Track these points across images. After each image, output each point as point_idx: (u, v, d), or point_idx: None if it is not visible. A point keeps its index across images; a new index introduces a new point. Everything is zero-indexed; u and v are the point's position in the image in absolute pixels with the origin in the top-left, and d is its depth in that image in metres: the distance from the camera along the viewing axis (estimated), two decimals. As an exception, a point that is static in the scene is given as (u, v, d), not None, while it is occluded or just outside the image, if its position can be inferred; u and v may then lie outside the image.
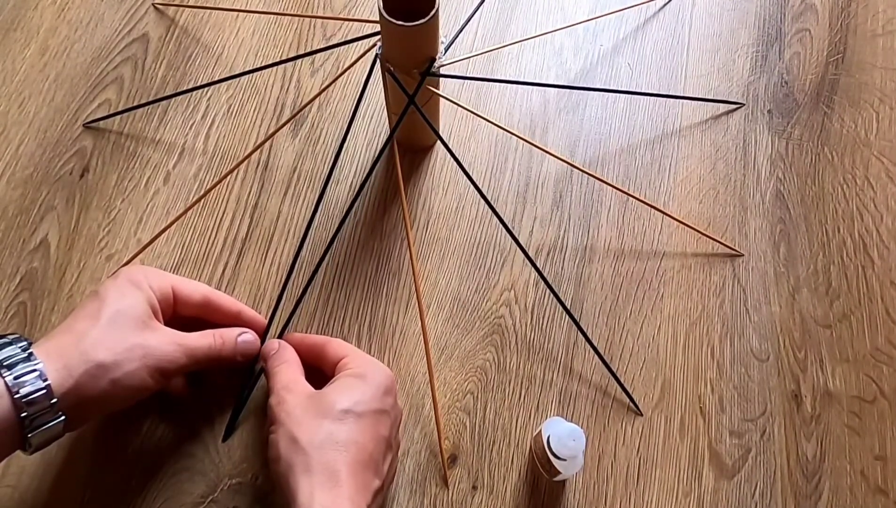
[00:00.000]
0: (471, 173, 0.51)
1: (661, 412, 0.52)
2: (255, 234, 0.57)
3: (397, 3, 0.43)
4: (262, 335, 0.51)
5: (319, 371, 0.48)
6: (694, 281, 0.57)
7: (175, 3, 0.66)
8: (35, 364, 0.38)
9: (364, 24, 0.63)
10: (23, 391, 0.37)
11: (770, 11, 0.67)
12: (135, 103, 0.61)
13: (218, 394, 0.52)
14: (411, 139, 0.59)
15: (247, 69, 0.62)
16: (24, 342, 0.40)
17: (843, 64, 0.65)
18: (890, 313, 0.56)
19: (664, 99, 0.63)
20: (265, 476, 0.50)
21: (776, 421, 0.52)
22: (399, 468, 0.50)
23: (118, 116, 0.61)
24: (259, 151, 0.60)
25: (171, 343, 0.44)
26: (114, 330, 0.42)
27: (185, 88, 0.62)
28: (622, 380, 0.53)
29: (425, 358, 0.51)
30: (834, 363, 0.54)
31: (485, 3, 0.65)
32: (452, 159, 0.50)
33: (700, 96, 0.63)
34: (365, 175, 0.54)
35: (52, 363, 0.39)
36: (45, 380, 0.38)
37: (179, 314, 0.48)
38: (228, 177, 0.58)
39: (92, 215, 0.57)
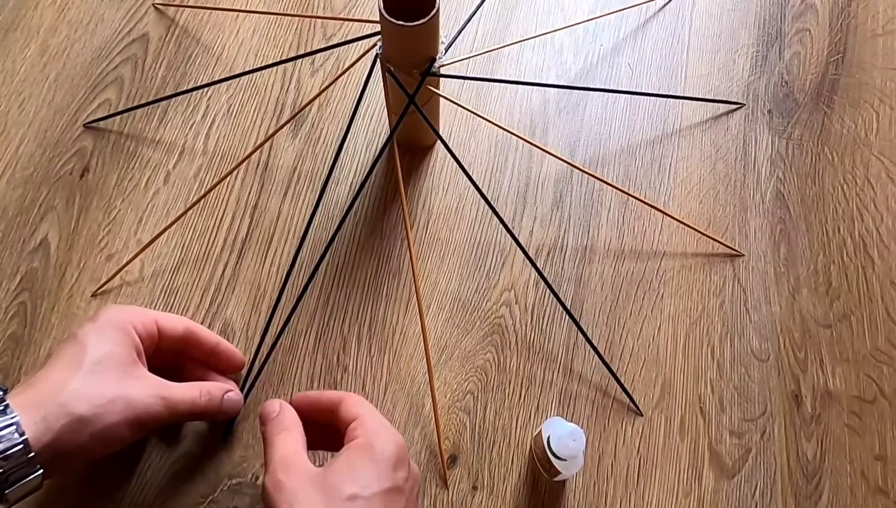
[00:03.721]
0: (471, 173, 0.51)
1: (661, 412, 0.52)
2: (255, 234, 0.57)
3: (398, 3, 0.43)
4: (239, 369, 0.51)
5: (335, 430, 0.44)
6: (694, 281, 0.57)
7: (175, 3, 0.66)
8: (12, 418, 0.37)
9: (364, 24, 0.63)
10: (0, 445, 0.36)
11: (770, 11, 0.67)
12: (135, 103, 0.61)
13: (218, 394, 0.52)
14: (411, 139, 0.59)
15: (247, 69, 0.62)
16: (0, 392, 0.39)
17: (843, 64, 0.65)
18: (890, 313, 0.56)
19: (664, 99, 0.63)
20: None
21: (776, 421, 0.52)
22: (399, 468, 0.50)
23: (118, 117, 0.61)
24: (259, 151, 0.60)
25: (153, 396, 0.42)
26: (95, 380, 0.40)
27: (185, 88, 0.62)
28: (622, 380, 0.53)
29: (425, 358, 0.51)
30: (834, 363, 0.54)
31: (485, 3, 0.65)
32: (452, 159, 0.50)
33: (700, 96, 0.63)
34: (365, 175, 0.54)
35: (30, 416, 0.37)
36: (23, 434, 0.37)
37: (161, 351, 0.47)
38: (228, 177, 0.58)
39: (92, 215, 0.57)
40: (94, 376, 0.40)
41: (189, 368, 0.49)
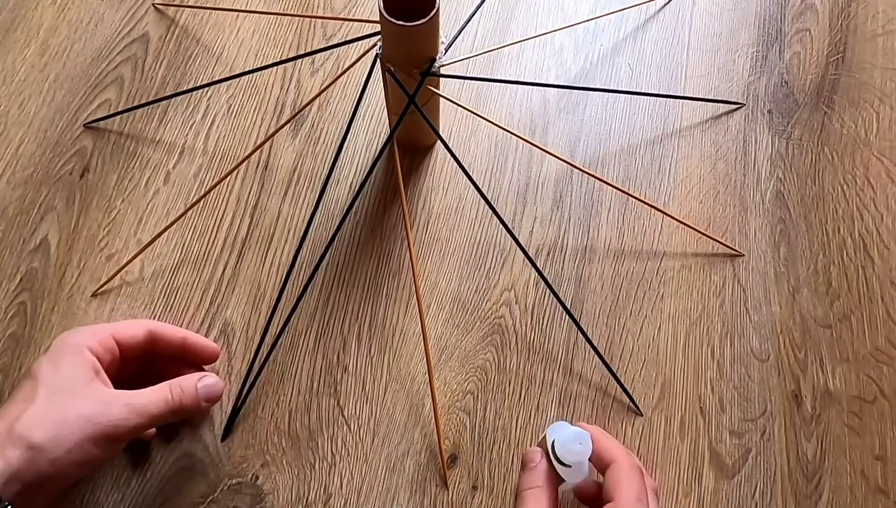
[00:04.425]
0: (471, 173, 0.51)
1: (661, 412, 0.52)
2: (255, 234, 0.57)
3: (398, 3, 0.43)
4: (214, 358, 0.50)
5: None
6: (694, 281, 0.57)
7: (175, 3, 0.66)
8: None
9: (364, 24, 0.63)
10: None
11: (770, 11, 0.67)
12: (135, 103, 0.61)
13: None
14: (411, 139, 0.59)
15: (247, 69, 0.62)
16: None
17: (843, 64, 0.65)
18: (890, 313, 0.56)
19: (664, 99, 0.63)
20: (265, 475, 0.50)
21: (776, 421, 0.52)
22: (399, 467, 0.50)
23: (118, 117, 0.61)
24: (259, 151, 0.60)
25: (119, 406, 0.41)
26: (51, 407, 0.39)
27: (185, 88, 0.62)
28: (622, 380, 0.53)
29: (425, 358, 0.51)
30: (834, 363, 0.54)
31: (485, 3, 0.65)
32: (452, 159, 0.50)
33: (700, 96, 0.63)
34: (365, 175, 0.54)
35: None
36: None
37: (127, 359, 0.46)
38: (228, 177, 0.58)
39: (92, 215, 0.57)
40: (51, 402, 0.39)
41: (162, 369, 0.48)
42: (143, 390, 0.43)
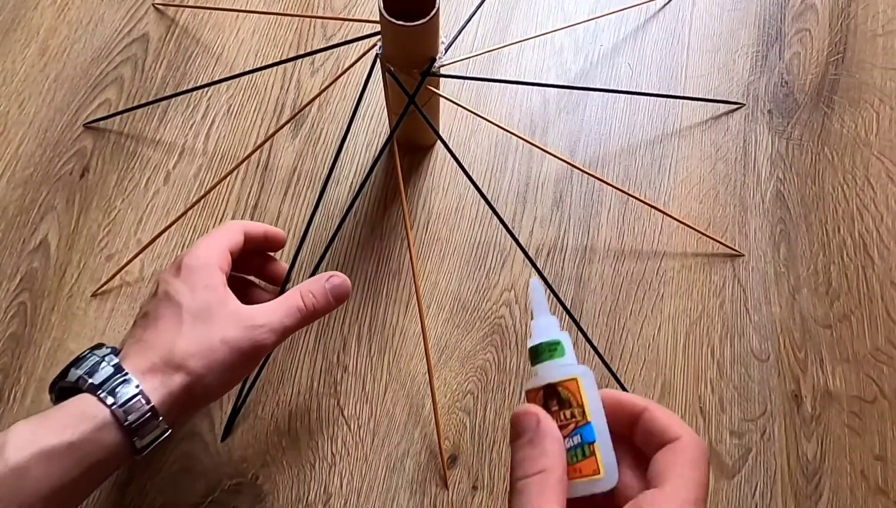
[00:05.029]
0: (471, 173, 0.51)
1: (661, 412, 0.52)
2: (255, 234, 0.57)
3: (398, 3, 0.43)
4: (284, 243, 0.51)
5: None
6: (694, 281, 0.57)
7: (175, 3, 0.66)
8: (136, 387, 0.38)
9: (364, 24, 0.63)
10: (130, 418, 0.37)
11: (770, 11, 0.67)
12: (135, 103, 0.61)
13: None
14: (411, 139, 0.59)
15: (247, 69, 0.62)
16: (115, 360, 0.39)
17: (843, 64, 0.65)
18: (890, 313, 0.56)
19: (664, 99, 0.63)
20: (265, 475, 0.50)
21: (776, 421, 0.52)
22: (399, 467, 0.50)
23: (118, 117, 0.61)
24: (259, 151, 0.60)
25: (258, 326, 0.41)
26: (197, 333, 0.40)
27: (185, 88, 0.62)
28: (622, 380, 0.53)
29: (425, 358, 0.51)
30: (834, 363, 0.54)
31: (485, 3, 0.65)
32: (452, 159, 0.50)
33: (700, 96, 0.63)
34: (365, 175, 0.54)
35: (149, 382, 0.39)
36: (149, 402, 0.38)
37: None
38: (228, 177, 0.58)
39: (92, 215, 0.57)
40: (196, 329, 0.40)
41: (237, 261, 0.48)
42: (274, 304, 0.43)
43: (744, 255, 0.57)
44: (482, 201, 0.55)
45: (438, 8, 0.43)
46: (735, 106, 0.63)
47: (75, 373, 0.39)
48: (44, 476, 0.35)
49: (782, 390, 0.53)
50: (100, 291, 0.55)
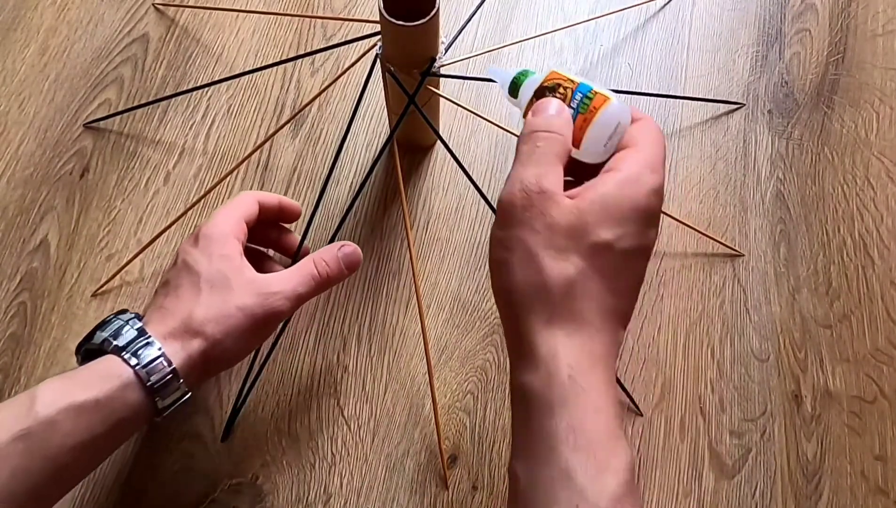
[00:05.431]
0: (471, 173, 0.51)
1: (661, 412, 0.52)
2: (255, 234, 0.57)
3: (398, 3, 0.43)
4: (299, 214, 0.52)
5: None
6: (694, 281, 0.57)
7: (175, 3, 0.66)
8: (159, 349, 0.40)
9: (364, 24, 0.63)
10: (153, 379, 0.39)
11: (770, 11, 0.67)
12: (135, 103, 0.61)
13: (218, 392, 0.52)
14: (411, 139, 0.59)
15: (247, 69, 0.62)
16: (138, 324, 0.41)
17: (843, 64, 0.65)
18: (890, 313, 0.56)
19: (664, 99, 0.63)
20: (265, 475, 0.50)
21: (776, 421, 0.52)
22: (399, 467, 0.50)
23: (118, 116, 0.61)
24: (259, 151, 0.60)
25: (273, 294, 0.43)
26: (215, 301, 0.42)
27: (185, 88, 0.62)
28: (622, 380, 0.52)
29: (425, 358, 0.51)
30: (834, 363, 0.54)
31: (485, 3, 0.65)
32: (452, 159, 0.50)
33: (700, 96, 0.63)
34: (365, 175, 0.54)
35: (170, 346, 0.40)
36: (171, 363, 0.39)
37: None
38: (228, 177, 0.58)
39: (92, 215, 0.57)
40: (214, 297, 0.42)
41: (250, 232, 0.48)
42: (288, 272, 0.45)
43: (744, 255, 0.57)
44: (482, 201, 0.55)
45: (438, 8, 0.43)
46: (735, 106, 0.63)
47: (101, 335, 0.41)
48: (72, 430, 0.37)
49: (782, 390, 0.53)
50: (100, 291, 0.55)
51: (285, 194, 0.59)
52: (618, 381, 0.52)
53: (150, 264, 0.56)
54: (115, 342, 0.40)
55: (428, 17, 0.43)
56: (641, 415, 0.52)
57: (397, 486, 0.50)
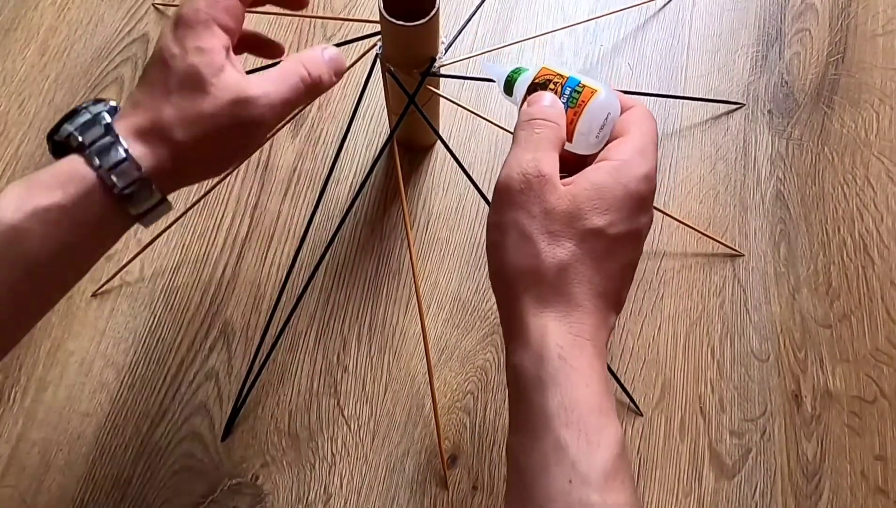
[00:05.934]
0: (471, 173, 0.51)
1: (661, 412, 0.52)
2: (255, 234, 0.57)
3: (398, 3, 0.43)
4: (282, 52, 0.46)
5: None
6: (694, 281, 0.57)
7: (175, 3, 0.66)
8: (125, 151, 0.34)
9: (364, 24, 0.63)
10: (119, 183, 0.34)
11: (770, 11, 0.67)
12: (135, 103, 0.61)
13: (218, 392, 0.52)
14: (411, 139, 0.59)
15: (246, 69, 0.62)
16: (107, 119, 0.35)
17: (843, 64, 0.65)
18: (890, 313, 0.56)
19: (664, 99, 0.63)
20: (265, 475, 0.50)
21: (776, 421, 0.52)
22: (399, 468, 0.50)
23: (118, 116, 0.61)
24: (259, 151, 0.60)
25: (255, 101, 0.37)
26: (186, 102, 0.36)
27: (185, 88, 0.62)
28: (622, 380, 0.53)
29: (425, 358, 0.51)
30: (834, 363, 0.54)
31: (485, 3, 0.65)
32: (452, 159, 0.50)
33: (700, 96, 0.63)
34: (365, 175, 0.54)
35: (138, 149, 0.35)
36: (139, 169, 0.34)
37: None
38: (228, 177, 0.58)
39: (92, 215, 0.57)
40: (183, 98, 0.36)
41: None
42: (272, 73, 0.38)
43: (744, 255, 0.57)
44: (482, 201, 0.55)
45: (438, 8, 0.44)
46: (735, 106, 0.63)
47: (66, 129, 0.35)
48: (42, 237, 0.33)
49: (782, 390, 0.53)
50: (100, 291, 0.55)
51: (285, 194, 0.59)
52: (618, 381, 0.52)
53: (150, 264, 0.56)
54: (80, 139, 0.35)
55: (428, 17, 0.43)
56: (641, 415, 0.52)
57: (397, 486, 0.50)
